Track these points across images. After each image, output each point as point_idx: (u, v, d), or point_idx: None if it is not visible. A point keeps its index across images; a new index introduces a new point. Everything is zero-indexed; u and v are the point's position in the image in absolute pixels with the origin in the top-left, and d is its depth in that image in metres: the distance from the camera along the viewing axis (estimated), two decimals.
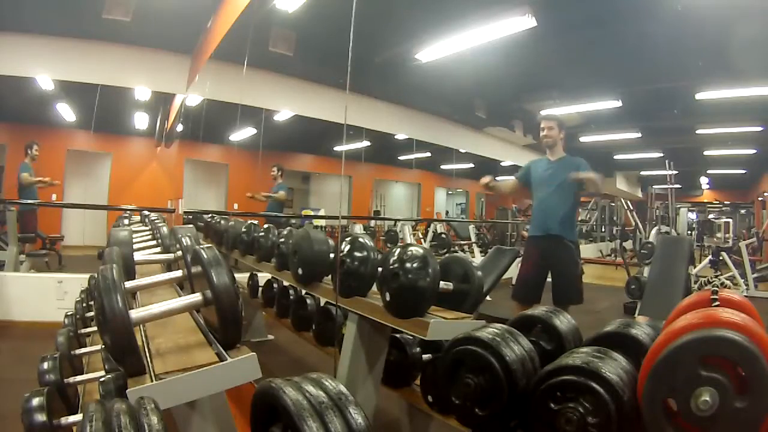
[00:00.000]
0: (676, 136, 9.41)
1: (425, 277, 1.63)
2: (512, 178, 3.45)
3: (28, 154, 5.56)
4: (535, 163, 3.35)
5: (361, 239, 1.97)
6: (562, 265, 3.06)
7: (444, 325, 1.63)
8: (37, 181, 5.51)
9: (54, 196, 6.89)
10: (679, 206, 8.37)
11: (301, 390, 0.85)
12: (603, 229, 13.56)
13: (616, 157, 11.99)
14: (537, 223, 3.19)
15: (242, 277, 3.79)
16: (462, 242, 9.30)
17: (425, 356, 2.00)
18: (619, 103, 7.13)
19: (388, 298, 1.72)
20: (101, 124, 7.25)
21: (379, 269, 1.81)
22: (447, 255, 2.96)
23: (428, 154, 10.78)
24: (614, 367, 0.94)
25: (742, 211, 12.50)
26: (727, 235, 7.29)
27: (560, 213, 3.08)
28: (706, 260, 7.36)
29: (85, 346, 2.07)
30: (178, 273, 1.62)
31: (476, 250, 8.73)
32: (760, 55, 4.87)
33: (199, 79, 5.57)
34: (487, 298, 5.21)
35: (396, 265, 1.68)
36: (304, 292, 2.87)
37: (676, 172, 8.40)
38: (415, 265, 1.65)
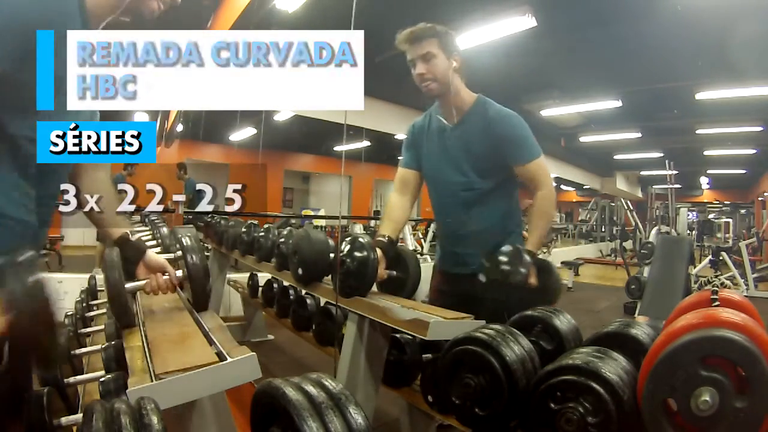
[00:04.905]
0: (676, 136, 9.42)
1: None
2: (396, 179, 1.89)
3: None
4: (419, 131, 1.82)
5: (361, 239, 1.97)
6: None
7: (444, 325, 1.63)
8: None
9: None
10: (679, 206, 8.36)
11: (301, 390, 0.85)
12: (603, 229, 13.57)
13: (616, 157, 12.01)
14: (444, 255, 1.84)
15: (242, 277, 3.79)
16: None
17: (425, 356, 2.01)
18: (619, 103, 7.14)
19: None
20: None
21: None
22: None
23: None
24: (614, 367, 0.94)
25: (742, 211, 12.48)
26: (727, 235, 7.30)
27: (479, 234, 1.65)
28: (706, 260, 7.36)
29: (85, 346, 2.06)
30: (178, 273, 1.62)
31: None
32: (760, 55, 4.87)
33: None
34: None
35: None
36: (304, 292, 2.87)
37: (676, 172, 8.42)
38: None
